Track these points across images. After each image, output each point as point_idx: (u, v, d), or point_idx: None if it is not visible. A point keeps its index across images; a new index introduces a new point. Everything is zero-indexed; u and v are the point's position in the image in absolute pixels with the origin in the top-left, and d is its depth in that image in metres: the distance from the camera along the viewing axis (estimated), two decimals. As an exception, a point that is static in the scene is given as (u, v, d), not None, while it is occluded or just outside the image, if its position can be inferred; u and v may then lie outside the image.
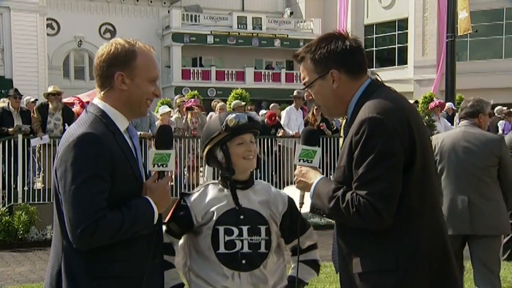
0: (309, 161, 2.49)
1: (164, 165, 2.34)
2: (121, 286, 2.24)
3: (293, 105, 12.35)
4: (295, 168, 2.54)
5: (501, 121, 14.46)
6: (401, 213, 2.21)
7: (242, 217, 2.66)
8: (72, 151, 2.16)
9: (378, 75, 2.51)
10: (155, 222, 2.29)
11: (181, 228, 2.71)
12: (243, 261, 2.63)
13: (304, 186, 2.45)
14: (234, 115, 2.68)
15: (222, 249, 2.63)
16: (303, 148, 2.52)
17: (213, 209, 2.67)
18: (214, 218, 2.66)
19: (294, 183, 2.51)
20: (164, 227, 2.70)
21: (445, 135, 5.11)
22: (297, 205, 2.57)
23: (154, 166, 2.34)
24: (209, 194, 2.72)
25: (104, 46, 2.33)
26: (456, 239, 4.61)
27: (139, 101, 2.34)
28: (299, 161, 2.51)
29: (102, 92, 2.32)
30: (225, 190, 2.71)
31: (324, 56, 2.34)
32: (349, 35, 2.38)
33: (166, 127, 2.53)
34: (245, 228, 2.65)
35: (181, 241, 2.79)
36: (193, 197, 2.73)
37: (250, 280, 2.64)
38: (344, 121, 13.21)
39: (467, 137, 4.78)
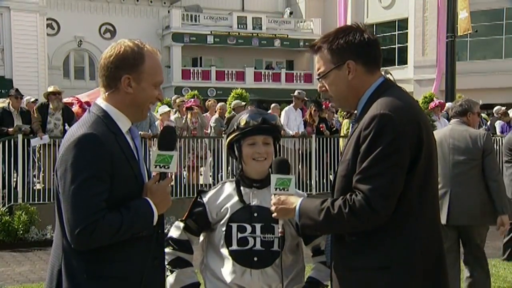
0: (285, 189, 2.52)
1: (166, 167, 2.32)
2: (121, 286, 2.24)
3: (292, 105, 12.35)
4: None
5: (498, 121, 14.44)
6: (401, 211, 2.21)
7: (255, 214, 2.69)
8: (72, 152, 2.16)
9: (391, 74, 2.52)
10: (154, 224, 2.29)
11: (198, 225, 2.74)
12: (255, 259, 2.65)
13: (286, 213, 2.44)
14: (247, 115, 2.70)
15: (234, 246, 2.66)
16: (278, 177, 2.54)
17: (227, 206, 2.70)
18: (228, 215, 2.69)
19: (272, 213, 2.51)
20: (182, 224, 2.75)
21: (435, 132, 5.37)
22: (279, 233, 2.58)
23: (156, 167, 2.33)
24: (224, 191, 2.75)
25: (112, 47, 2.31)
26: (453, 231, 5.10)
27: (143, 105, 2.34)
28: (276, 190, 2.52)
29: (107, 93, 2.31)
30: (241, 188, 2.73)
31: (342, 46, 2.34)
32: (366, 29, 2.39)
33: (169, 128, 2.53)
34: (258, 226, 2.67)
35: (201, 238, 2.83)
36: (209, 195, 2.77)
37: (262, 278, 2.65)
38: (345, 121, 13.21)
39: (453, 134, 5.18)
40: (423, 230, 2.27)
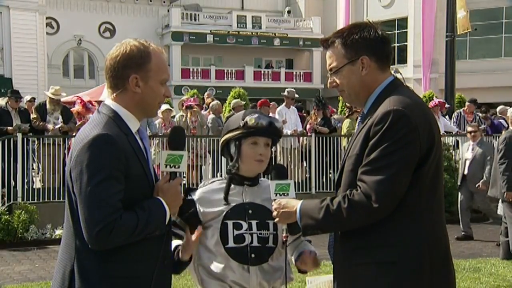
0: (285, 194, 2.55)
1: (176, 166, 2.36)
2: (133, 286, 2.26)
3: (283, 104, 12.44)
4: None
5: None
6: (410, 208, 2.21)
7: (250, 211, 2.69)
8: (87, 152, 2.16)
9: (401, 73, 2.54)
10: (166, 223, 2.31)
11: (187, 224, 2.72)
12: (252, 255, 2.66)
13: (287, 216, 2.44)
14: (256, 115, 2.70)
15: (231, 244, 2.65)
16: (277, 183, 2.57)
17: (220, 204, 2.69)
18: (223, 213, 2.68)
19: (274, 219, 2.51)
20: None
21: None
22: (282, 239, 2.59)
23: (166, 167, 2.35)
24: (215, 189, 2.75)
25: (117, 47, 2.31)
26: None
27: (152, 104, 2.35)
28: (276, 195, 2.55)
29: (115, 94, 2.31)
30: (233, 186, 2.73)
31: (357, 41, 2.34)
32: (379, 26, 2.39)
33: (179, 128, 2.55)
34: (254, 223, 2.68)
35: None
36: (198, 192, 2.75)
37: (260, 274, 2.66)
38: (345, 120, 13.30)
39: None
40: (433, 227, 2.28)
